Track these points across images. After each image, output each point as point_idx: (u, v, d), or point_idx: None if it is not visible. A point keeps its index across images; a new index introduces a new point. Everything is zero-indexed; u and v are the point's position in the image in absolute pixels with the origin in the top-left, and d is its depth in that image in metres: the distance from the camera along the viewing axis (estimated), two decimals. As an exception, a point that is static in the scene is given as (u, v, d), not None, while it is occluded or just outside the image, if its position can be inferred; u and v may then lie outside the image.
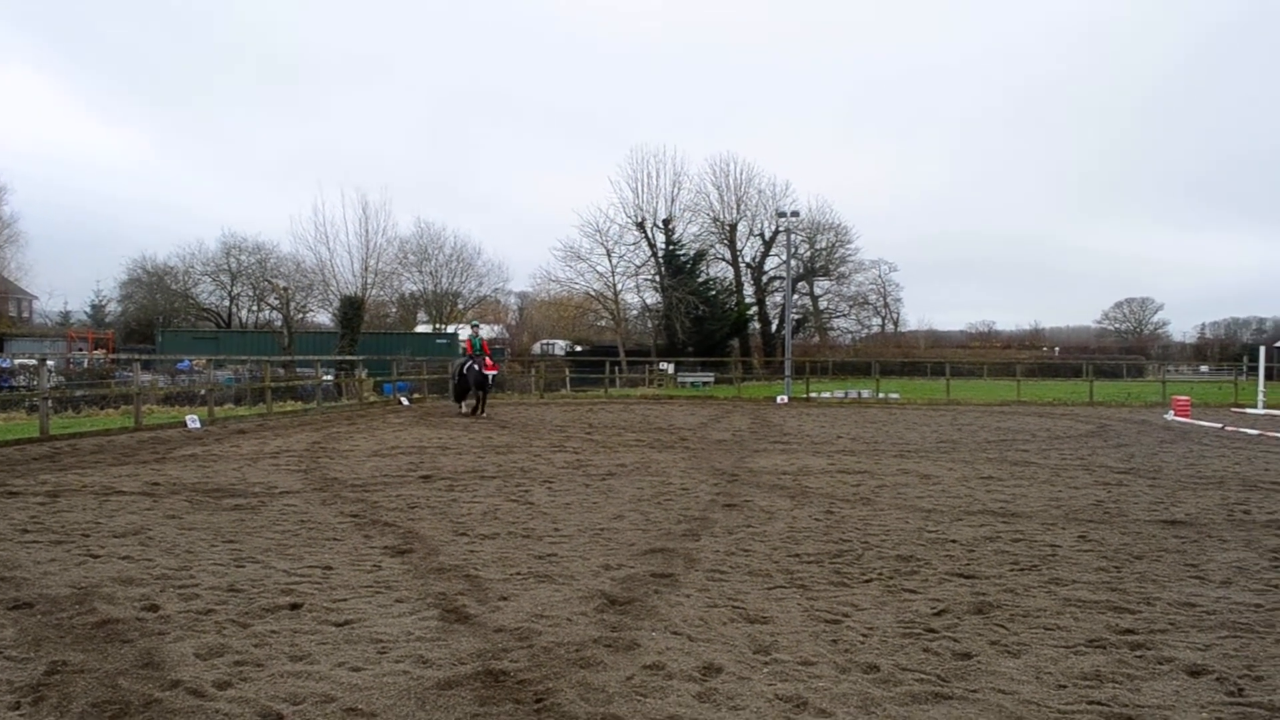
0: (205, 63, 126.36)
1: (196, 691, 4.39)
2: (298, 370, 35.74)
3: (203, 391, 25.67)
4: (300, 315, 61.74)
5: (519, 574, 6.88)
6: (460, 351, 32.43)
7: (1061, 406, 31.97)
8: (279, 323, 57.56)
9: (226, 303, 70.63)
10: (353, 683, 4.53)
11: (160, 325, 62.74)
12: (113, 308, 70.84)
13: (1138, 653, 5.10)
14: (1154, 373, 58.74)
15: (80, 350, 48.26)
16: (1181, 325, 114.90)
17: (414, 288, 71.08)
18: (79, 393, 26.65)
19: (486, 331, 70.53)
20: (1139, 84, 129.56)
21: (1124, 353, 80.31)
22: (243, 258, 67.36)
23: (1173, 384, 41.45)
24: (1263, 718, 4.18)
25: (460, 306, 71.93)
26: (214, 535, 8.26)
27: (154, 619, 5.56)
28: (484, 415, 24.99)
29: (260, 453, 15.20)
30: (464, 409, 26.03)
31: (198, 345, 52.45)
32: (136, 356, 26.21)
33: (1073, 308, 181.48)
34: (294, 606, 5.87)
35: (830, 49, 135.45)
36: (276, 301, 62.62)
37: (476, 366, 25.01)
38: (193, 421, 20.32)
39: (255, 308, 71.50)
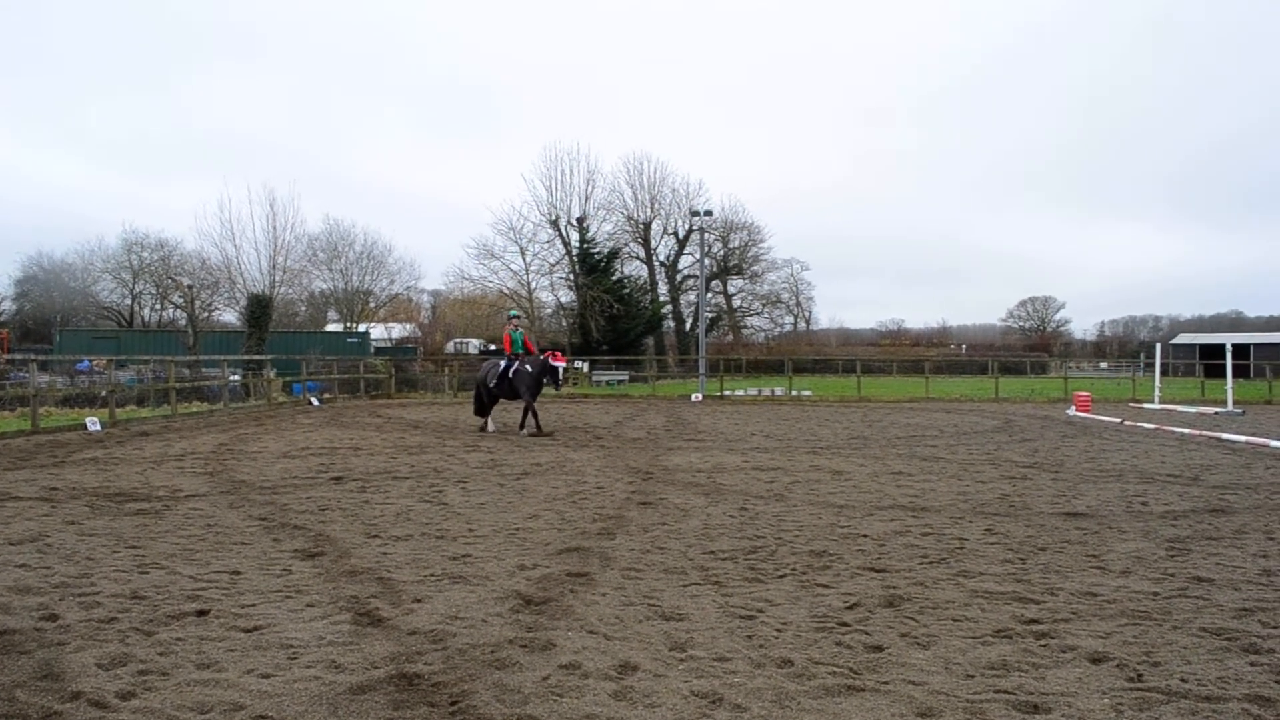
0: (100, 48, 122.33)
1: (99, 703, 4.25)
2: (203, 370, 34.80)
3: (104, 393, 24.75)
4: (206, 314, 60.09)
5: (433, 575, 6.80)
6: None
7: (968, 403, 32.76)
8: (184, 322, 56.05)
9: (128, 301, 68.60)
10: (262, 690, 4.43)
11: (58, 324, 60.59)
12: (6, 306, 68.25)
13: (1042, 642, 5.25)
14: (1056, 369, 60.46)
15: (-29, 350, 46.41)
16: (1082, 323, 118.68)
17: (324, 286, 69.84)
18: (-30, 395, 25.57)
19: (399, 330, 70.12)
20: (1050, 86, 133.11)
21: (1028, 350, 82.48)
22: (145, 254, 65.49)
23: (1074, 380, 42.71)
24: (1160, 701, 4.33)
25: (371, 305, 70.94)
26: (116, 541, 8.01)
27: (53, 629, 5.37)
28: (537, 430, 18.69)
29: (164, 455, 14.79)
30: (490, 426, 19.73)
31: (98, 345, 50.60)
32: (33, 356, 25.23)
33: (978, 307, 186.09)
34: (201, 613, 5.72)
35: (728, 45, 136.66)
36: (181, 300, 60.98)
37: (529, 368, 18.96)
38: (93, 424, 19.67)
39: (158, 306, 69.70)
